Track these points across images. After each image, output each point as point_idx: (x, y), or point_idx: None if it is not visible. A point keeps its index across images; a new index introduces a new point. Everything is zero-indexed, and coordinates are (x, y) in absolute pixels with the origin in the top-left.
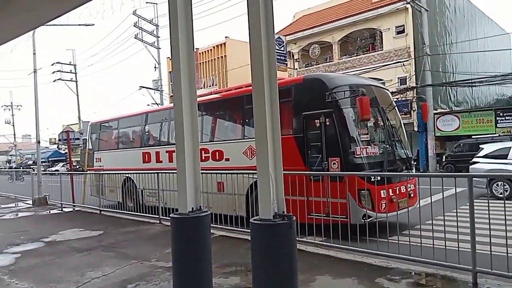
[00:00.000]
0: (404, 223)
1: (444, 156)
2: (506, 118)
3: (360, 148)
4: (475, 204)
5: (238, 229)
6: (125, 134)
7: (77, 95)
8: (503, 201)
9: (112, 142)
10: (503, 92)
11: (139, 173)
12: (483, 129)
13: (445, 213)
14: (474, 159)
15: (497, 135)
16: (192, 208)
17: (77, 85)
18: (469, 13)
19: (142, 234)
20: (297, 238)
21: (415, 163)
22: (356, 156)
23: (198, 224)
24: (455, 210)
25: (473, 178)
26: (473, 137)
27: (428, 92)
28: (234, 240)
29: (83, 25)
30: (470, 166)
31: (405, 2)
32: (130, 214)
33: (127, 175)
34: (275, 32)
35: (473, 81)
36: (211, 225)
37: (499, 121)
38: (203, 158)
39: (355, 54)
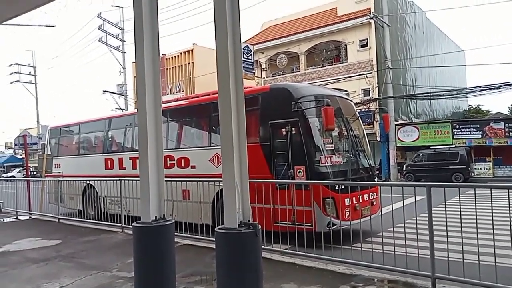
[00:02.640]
0: (367, 230)
1: (404, 166)
2: (462, 130)
3: (325, 157)
4: (433, 211)
5: (204, 237)
6: (87, 139)
7: (36, 98)
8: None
9: (72, 147)
10: (459, 105)
11: (101, 180)
12: (441, 140)
13: (406, 220)
14: None
15: (454, 146)
16: (156, 217)
17: (36, 88)
18: (428, 30)
19: (103, 243)
20: (263, 246)
21: (378, 172)
22: (321, 165)
23: (161, 233)
24: (415, 218)
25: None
26: (431, 147)
27: (390, 104)
28: (199, 249)
29: (44, 26)
30: None
31: (368, 17)
32: (91, 223)
33: (88, 182)
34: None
35: (431, 94)
36: (176, 233)
37: (455, 133)
38: (168, 165)
39: (321, 65)
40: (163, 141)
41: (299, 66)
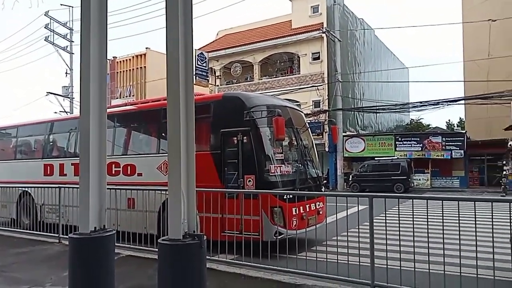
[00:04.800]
0: (313, 239)
1: (350, 176)
2: (404, 142)
3: (275, 166)
4: (376, 220)
5: (148, 248)
6: (25, 143)
7: None
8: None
9: (8, 151)
10: (401, 119)
11: (39, 187)
12: (385, 152)
13: (350, 229)
14: None
15: (396, 157)
16: (95, 227)
17: None
18: (375, 46)
19: (38, 255)
20: (209, 257)
21: (326, 181)
22: (271, 174)
23: (100, 245)
24: (361, 227)
25: None
26: (376, 158)
27: (339, 116)
28: (143, 260)
29: None
30: None
31: (321, 31)
32: (25, 233)
33: (24, 188)
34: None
35: (377, 107)
36: (118, 244)
37: (398, 145)
38: (113, 172)
39: (275, 76)
40: (109, 147)
41: (253, 76)
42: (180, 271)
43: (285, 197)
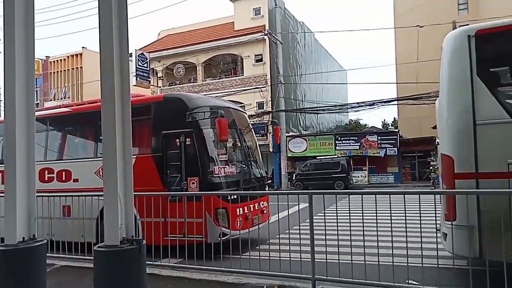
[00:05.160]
0: (257, 239)
1: (294, 175)
2: (343, 142)
3: (218, 167)
4: (317, 217)
5: (86, 257)
6: None
7: None
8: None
9: None
10: (341, 119)
11: None
12: (326, 151)
13: (293, 227)
14: None
15: (336, 156)
16: (23, 238)
17: None
18: (316, 49)
19: None
20: (152, 262)
21: (270, 181)
22: (214, 176)
23: (29, 256)
24: (302, 224)
25: None
26: (317, 157)
27: (282, 117)
28: (80, 270)
29: None
30: None
31: (263, 33)
32: None
33: None
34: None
35: (318, 109)
36: (53, 255)
37: (337, 144)
38: (46, 179)
39: (218, 77)
40: (41, 152)
41: (196, 77)
42: (118, 278)
43: (229, 198)
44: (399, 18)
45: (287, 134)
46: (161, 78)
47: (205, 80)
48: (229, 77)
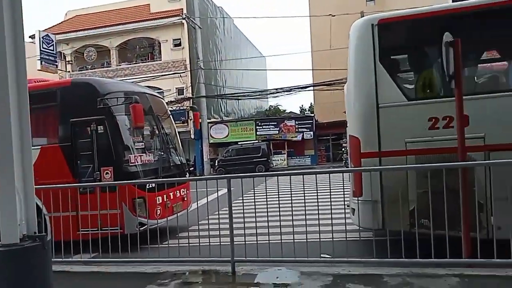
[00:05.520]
0: (179, 226)
1: (216, 161)
2: (263, 127)
3: (134, 156)
4: (238, 201)
5: None
6: None
7: None
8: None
9: None
10: (261, 105)
11: None
12: (247, 137)
13: (214, 212)
14: None
15: (257, 141)
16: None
17: None
18: (235, 35)
19: None
20: (63, 259)
21: (192, 168)
22: (131, 164)
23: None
24: (223, 209)
25: None
26: (239, 143)
27: (203, 103)
28: None
29: None
30: None
31: (180, 17)
32: None
33: None
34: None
35: (238, 94)
36: None
37: (258, 130)
38: None
39: (134, 62)
40: None
41: (110, 61)
42: (19, 278)
43: (147, 186)
44: (314, 7)
45: (208, 120)
46: (70, 62)
47: (120, 65)
48: (146, 62)
